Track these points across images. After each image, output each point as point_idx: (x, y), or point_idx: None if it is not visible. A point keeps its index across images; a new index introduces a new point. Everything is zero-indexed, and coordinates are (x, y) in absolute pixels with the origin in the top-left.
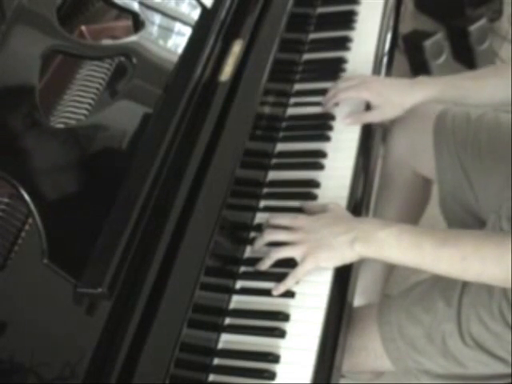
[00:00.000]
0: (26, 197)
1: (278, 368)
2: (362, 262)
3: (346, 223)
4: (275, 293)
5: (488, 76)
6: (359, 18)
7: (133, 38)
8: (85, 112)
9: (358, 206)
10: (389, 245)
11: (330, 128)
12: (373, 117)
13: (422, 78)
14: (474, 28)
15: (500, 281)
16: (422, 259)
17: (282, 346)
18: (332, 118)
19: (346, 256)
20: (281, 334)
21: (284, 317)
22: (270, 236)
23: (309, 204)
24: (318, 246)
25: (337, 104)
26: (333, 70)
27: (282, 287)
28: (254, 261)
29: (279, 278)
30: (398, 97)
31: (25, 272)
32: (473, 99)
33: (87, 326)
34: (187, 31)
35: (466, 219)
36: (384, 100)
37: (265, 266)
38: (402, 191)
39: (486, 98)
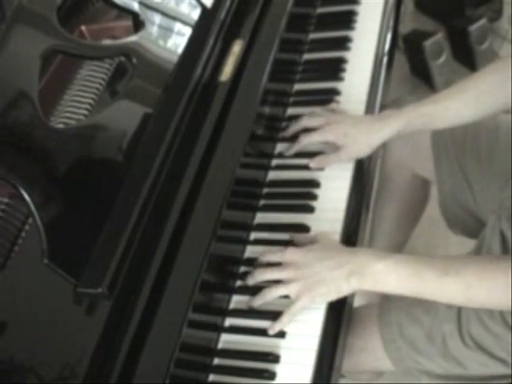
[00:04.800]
0: (26, 197)
1: (278, 368)
2: None
3: (339, 256)
4: (271, 332)
5: (450, 97)
6: (359, 18)
7: (133, 38)
8: (85, 112)
9: (358, 207)
10: (387, 277)
11: None
12: (338, 158)
13: (386, 113)
14: (473, 28)
15: (507, 307)
16: (424, 289)
17: (282, 346)
18: None
19: (341, 290)
20: (281, 334)
21: None
22: (261, 276)
23: (297, 236)
24: (313, 283)
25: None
26: (333, 70)
27: (277, 326)
28: (254, 261)
29: None
30: (365, 136)
31: (25, 272)
32: (439, 124)
33: (87, 326)
34: (187, 31)
35: (466, 220)
36: (350, 140)
37: (257, 303)
38: (401, 192)
39: (452, 120)
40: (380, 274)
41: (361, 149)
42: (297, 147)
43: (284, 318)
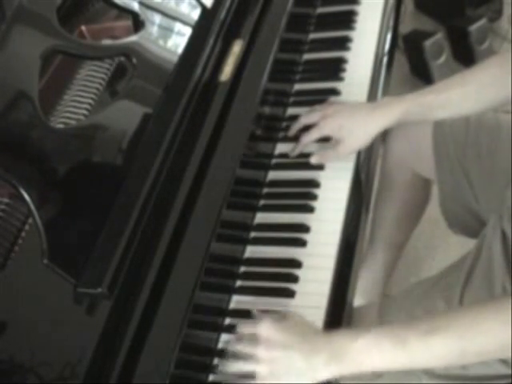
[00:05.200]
0: (26, 197)
1: None
2: (362, 261)
3: (314, 338)
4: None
5: (451, 88)
6: (359, 18)
7: (133, 38)
8: (85, 112)
9: (358, 207)
10: (369, 355)
11: None
12: (337, 153)
13: (384, 100)
14: (473, 28)
15: (501, 353)
16: (411, 355)
17: None
18: None
19: (319, 377)
20: None
21: None
22: (235, 346)
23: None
24: (285, 368)
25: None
26: (333, 70)
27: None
28: (253, 261)
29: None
30: (362, 127)
31: (25, 272)
32: (439, 114)
33: (87, 326)
34: (187, 31)
35: (467, 220)
36: (347, 133)
37: (230, 370)
38: (402, 192)
39: (452, 112)
40: (361, 355)
41: (358, 140)
42: (300, 148)
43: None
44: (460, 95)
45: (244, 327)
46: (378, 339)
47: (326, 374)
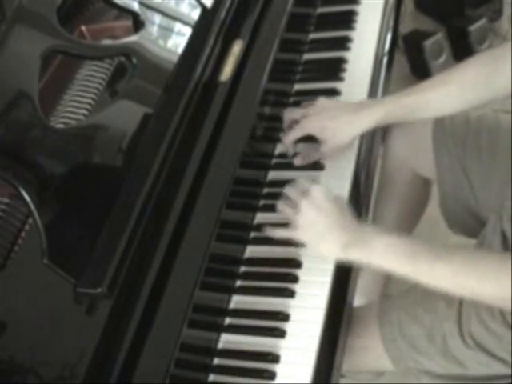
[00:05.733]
0: (26, 197)
1: (278, 368)
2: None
3: (346, 222)
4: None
5: (432, 88)
6: (359, 18)
7: (133, 38)
8: (85, 112)
9: (358, 207)
10: (385, 255)
11: None
12: (321, 154)
13: (366, 102)
14: (473, 28)
15: (497, 300)
16: (417, 271)
17: (282, 346)
18: None
19: (332, 253)
20: (281, 334)
21: (284, 317)
22: (288, 189)
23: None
24: (310, 229)
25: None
26: (333, 70)
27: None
28: (253, 261)
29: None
30: (345, 127)
31: (25, 272)
32: (421, 114)
33: (87, 326)
34: (187, 31)
35: (467, 220)
36: (330, 134)
37: (269, 233)
38: (402, 192)
39: (434, 112)
40: (377, 251)
41: (341, 141)
42: (289, 148)
43: (275, 233)
44: (442, 95)
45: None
46: (397, 247)
47: (340, 253)
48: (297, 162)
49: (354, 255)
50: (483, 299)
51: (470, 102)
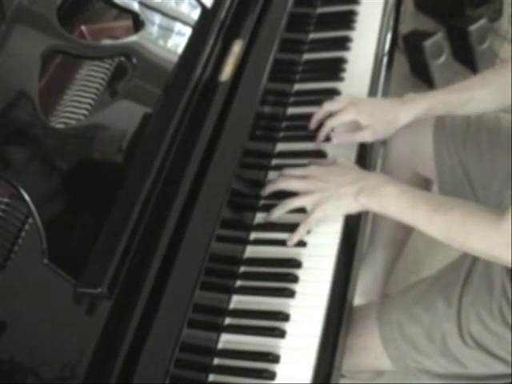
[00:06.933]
0: (26, 197)
1: (278, 368)
2: (362, 261)
3: (353, 175)
4: (289, 243)
5: (474, 87)
6: (359, 18)
7: (133, 38)
8: (85, 112)
9: None
10: (389, 201)
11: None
12: (364, 136)
13: (410, 96)
14: (473, 28)
15: (482, 255)
16: (416, 221)
17: (282, 346)
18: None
19: (350, 206)
20: (281, 333)
21: (284, 317)
22: (283, 183)
23: (318, 160)
24: (326, 197)
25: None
26: (333, 70)
27: (295, 237)
28: (253, 261)
29: (277, 278)
30: (390, 116)
31: (25, 272)
32: (461, 111)
33: (87, 326)
34: (187, 31)
35: None
36: (375, 119)
37: (276, 214)
38: None
39: (474, 109)
40: (385, 198)
41: (386, 128)
42: (325, 131)
43: (301, 229)
44: (484, 94)
45: (293, 170)
46: (401, 196)
47: (355, 205)
48: (335, 140)
49: (366, 202)
50: (474, 254)
51: (507, 101)
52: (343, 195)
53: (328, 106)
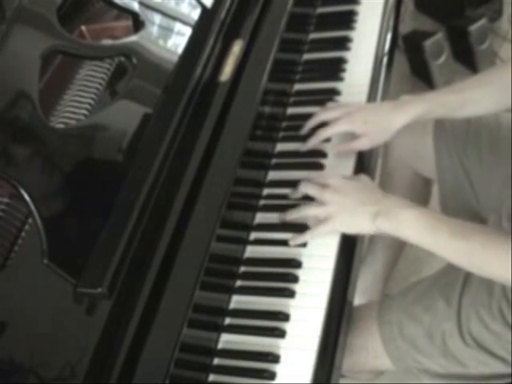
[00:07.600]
0: (26, 197)
1: (278, 368)
2: (362, 261)
3: (373, 194)
4: (291, 243)
5: (472, 88)
6: (359, 18)
7: (133, 38)
8: (85, 112)
9: None
10: (408, 225)
11: None
12: (361, 144)
13: (405, 98)
14: (473, 28)
15: (501, 280)
16: (435, 246)
17: (282, 346)
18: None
19: (364, 227)
20: (281, 333)
21: (284, 317)
22: (304, 188)
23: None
24: (341, 211)
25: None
26: (333, 70)
27: (299, 239)
28: (253, 261)
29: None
30: (385, 121)
31: (25, 272)
32: (459, 113)
33: (87, 326)
34: (187, 31)
35: (467, 219)
36: (371, 126)
37: (291, 217)
38: (402, 191)
39: (471, 112)
40: (403, 223)
41: (381, 134)
42: (314, 141)
43: (307, 236)
44: (481, 95)
45: (316, 180)
46: (420, 221)
47: (369, 226)
48: (334, 152)
49: (383, 226)
50: (488, 277)
51: (507, 103)
52: (359, 213)
53: (322, 115)
